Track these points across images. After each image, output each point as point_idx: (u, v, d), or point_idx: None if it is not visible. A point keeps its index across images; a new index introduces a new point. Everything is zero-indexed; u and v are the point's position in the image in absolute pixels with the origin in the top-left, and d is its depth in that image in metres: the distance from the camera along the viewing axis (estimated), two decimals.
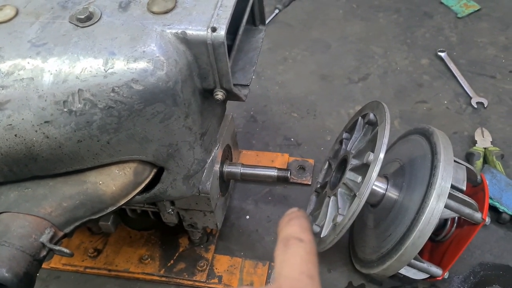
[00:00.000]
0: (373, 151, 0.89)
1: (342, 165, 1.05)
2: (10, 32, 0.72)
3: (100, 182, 0.75)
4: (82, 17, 0.72)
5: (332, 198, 0.99)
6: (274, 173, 1.08)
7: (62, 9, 0.75)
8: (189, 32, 0.70)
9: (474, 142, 1.29)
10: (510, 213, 1.11)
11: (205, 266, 1.10)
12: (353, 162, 0.98)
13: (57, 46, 0.69)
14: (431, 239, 0.99)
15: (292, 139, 1.38)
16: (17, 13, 0.75)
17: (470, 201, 0.92)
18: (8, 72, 0.68)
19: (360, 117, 1.07)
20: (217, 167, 0.97)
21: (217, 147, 0.96)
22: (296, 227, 0.43)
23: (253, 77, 0.87)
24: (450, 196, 0.88)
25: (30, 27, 0.73)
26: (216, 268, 1.10)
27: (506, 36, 1.63)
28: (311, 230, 0.43)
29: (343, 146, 1.13)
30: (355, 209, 0.87)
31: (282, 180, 1.09)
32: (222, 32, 0.69)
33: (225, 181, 1.07)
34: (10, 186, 0.76)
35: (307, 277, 0.40)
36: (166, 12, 0.73)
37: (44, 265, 1.10)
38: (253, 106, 1.48)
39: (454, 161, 0.92)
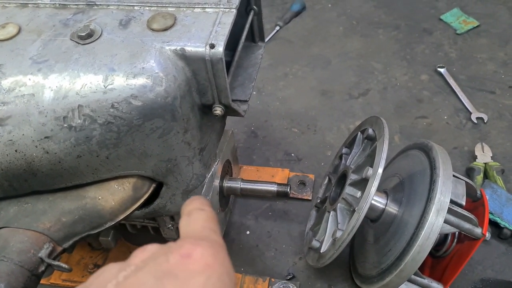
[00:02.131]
0: (372, 166, 0.90)
1: (342, 180, 1.05)
2: (12, 49, 0.74)
3: (99, 197, 0.76)
4: (83, 34, 0.73)
5: (332, 213, 0.99)
6: (274, 188, 1.08)
7: (63, 26, 0.77)
8: (187, 48, 0.71)
9: (475, 157, 1.29)
10: (511, 228, 1.11)
11: None
12: (352, 177, 0.98)
13: (58, 63, 0.70)
14: (431, 254, 0.99)
15: (292, 154, 1.38)
16: (19, 31, 0.77)
17: (470, 216, 0.92)
18: (10, 89, 0.69)
19: (359, 132, 1.08)
20: (216, 182, 0.97)
21: (216, 162, 0.96)
22: (197, 203, 0.48)
23: (253, 92, 0.88)
24: (450, 211, 0.88)
25: (32, 45, 0.74)
26: None
27: (505, 52, 1.64)
28: (211, 206, 0.48)
29: (343, 161, 1.13)
30: (354, 224, 0.87)
31: (282, 195, 1.09)
32: (220, 49, 0.70)
33: (225, 196, 1.07)
34: (10, 201, 0.77)
35: (209, 229, 0.44)
36: (165, 29, 0.74)
37: (44, 281, 1.10)
38: (253, 121, 1.48)
39: (454, 176, 0.92)
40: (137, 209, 0.79)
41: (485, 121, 1.41)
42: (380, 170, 0.87)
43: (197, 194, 0.89)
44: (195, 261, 0.37)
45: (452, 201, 0.89)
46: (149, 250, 0.40)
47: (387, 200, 0.98)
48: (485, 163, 1.26)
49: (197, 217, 0.45)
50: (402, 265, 0.87)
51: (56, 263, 0.70)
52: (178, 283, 0.35)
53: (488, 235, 0.92)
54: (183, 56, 0.72)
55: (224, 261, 0.39)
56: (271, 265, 1.14)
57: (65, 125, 0.69)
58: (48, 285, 1.13)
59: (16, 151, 0.70)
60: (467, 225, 0.91)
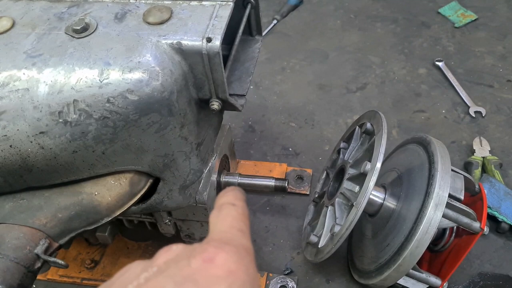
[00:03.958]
0: (370, 161, 0.89)
1: (340, 174, 1.04)
2: (6, 43, 0.73)
3: (96, 193, 0.75)
4: (78, 28, 0.72)
5: (330, 208, 0.99)
6: (271, 183, 1.08)
7: (58, 20, 0.76)
8: (184, 42, 0.70)
9: (473, 151, 1.29)
10: (509, 222, 1.11)
11: None
12: (350, 171, 0.98)
13: (53, 57, 0.70)
14: (429, 249, 0.99)
15: (290, 149, 1.38)
16: (13, 25, 0.76)
17: (468, 210, 0.91)
18: (4, 83, 0.68)
19: (357, 127, 1.07)
20: (214, 177, 0.97)
21: (214, 157, 0.96)
22: (230, 196, 0.46)
23: (250, 87, 0.88)
24: (448, 205, 0.88)
25: (26, 38, 0.73)
26: None
27: (504, 46, 1.63)
28: (245, 200, 0.47)
29: (341, 155, 1.12)
30: (352, 219, 0.87)
31: (280, 190, 1.08)
32: (217, 43, 0.70)
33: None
34: (5, 197, 0.76)
35: (237, 230, 0.42)
36: (161, 23, 0.73)
37: (41, 277, 1.10)
38: (251, 116, 1.48)
39: (452, 170, 0.92)
40: (134, 204, 0.79)
41: (483, 115, 1.41)
42: (379, 165, 0.86)
43: (194, 190, 0.88)
44: (217, 266, 0.36)
45: (450, 196, 0.89)
46: (174, 251, 0.39)
47: (385, 194, 0.98)
48: (483, 157, 1.26)
49: (226, 213, 0.44)
50: (400, 260, 0.87)
51: (52, 259, 0.69)
52: None
53: (486, 229, 0.92)
54: (180, 50, 0.71)
55: (248, 268, 0.37)
56: (269, 260, 1.14)
57: (60, 120, 0.68)
58: (45, 281, 1.12)
59: (11, 146, 0.70)
60: (465, 220, 0.91)
